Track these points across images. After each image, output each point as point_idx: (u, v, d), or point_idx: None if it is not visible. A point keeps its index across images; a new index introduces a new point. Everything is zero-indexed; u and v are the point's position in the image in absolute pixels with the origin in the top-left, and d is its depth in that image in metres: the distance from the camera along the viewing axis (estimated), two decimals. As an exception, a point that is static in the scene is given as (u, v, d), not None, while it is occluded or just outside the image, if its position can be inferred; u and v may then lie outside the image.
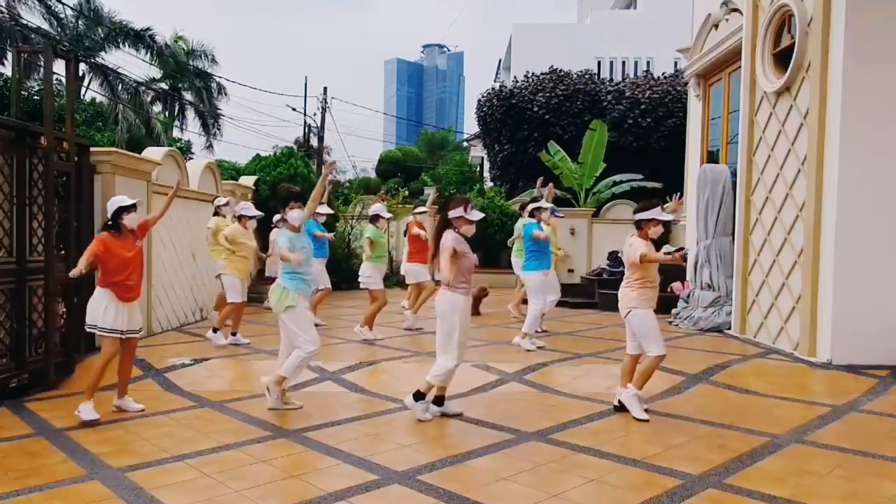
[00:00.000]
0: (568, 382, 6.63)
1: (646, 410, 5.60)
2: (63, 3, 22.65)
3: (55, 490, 3.92)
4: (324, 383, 6.62)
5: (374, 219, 8.87)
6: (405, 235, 9.99)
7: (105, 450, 4.60)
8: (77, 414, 5.29)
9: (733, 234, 9.37)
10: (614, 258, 13.82)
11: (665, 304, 10.98)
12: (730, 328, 9.15)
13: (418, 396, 5.35)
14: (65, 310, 6.81)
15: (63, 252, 6.74)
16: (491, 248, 16.49)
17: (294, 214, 5.61)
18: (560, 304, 10.78)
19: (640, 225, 5.47)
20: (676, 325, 9.86)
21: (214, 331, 8.21)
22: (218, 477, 4.11)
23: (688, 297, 10.20)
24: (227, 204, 9.83)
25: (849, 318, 6.86)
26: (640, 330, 5.37)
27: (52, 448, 4.68)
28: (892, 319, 6.87)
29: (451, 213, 5.30)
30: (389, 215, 9.47)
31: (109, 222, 5.52)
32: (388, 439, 4.90)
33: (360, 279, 8.92)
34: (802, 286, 7.30)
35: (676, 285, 11.52)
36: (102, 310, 5.36)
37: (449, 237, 5.24)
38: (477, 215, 5.35)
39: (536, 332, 8.35)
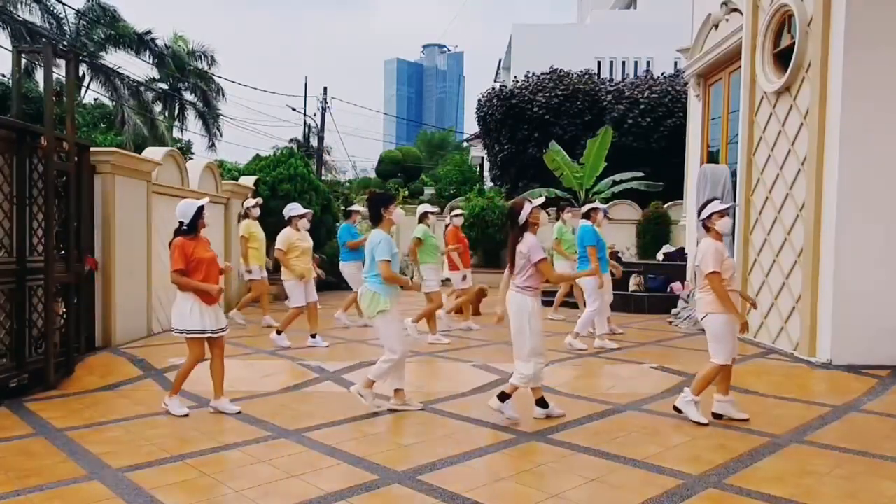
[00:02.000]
0: (568, 382, 6.63)
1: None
2: (64, 4, 22.66)
3: (55, 490, 3.92)
4: (324, 383, 6.63)
5: (423, 217, 8.79)
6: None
7: (105, 450, 4.59)
8: (164, 407, 5.46)
9: (733, 234, 9.37)
10: (615, 258, 13.81)
11: (665, 305, 11.03)
12: (730, 328, 9.13)
13: (503, 397, 5.24)
14: (65, 310, 6.81)
15: (63, 252, 6.74)
16: (491, 247, 16.49)
17: (399, 212, 5.77)
18: (560, 304, 10.78)
19: (706, 226, 5.41)
20: (676, 325, 9.86)
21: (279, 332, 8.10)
22: (218, 477, 4.12)
23: (688, 297, 10.20)
24: (255, 205, 9.74)
25: (849, 319, 6.85)
26: (713, 334, 5.27)
27: (52, 448, 4.68)
28: (892, 320, 6.86)
29: (523, 213, 5.20)
30: (436, 208, 9.40)
31: (185, 226, 5.46)
32: (388, 439, 4.90)
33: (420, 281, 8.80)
34: (802, 286, 7.29)
35: (676, 285, 11.54)
36: (188, 312, 5.37)
37: (532, 242, 5.13)
38: (539, 201, 5.39)
39: (613, 332, 8.63)
